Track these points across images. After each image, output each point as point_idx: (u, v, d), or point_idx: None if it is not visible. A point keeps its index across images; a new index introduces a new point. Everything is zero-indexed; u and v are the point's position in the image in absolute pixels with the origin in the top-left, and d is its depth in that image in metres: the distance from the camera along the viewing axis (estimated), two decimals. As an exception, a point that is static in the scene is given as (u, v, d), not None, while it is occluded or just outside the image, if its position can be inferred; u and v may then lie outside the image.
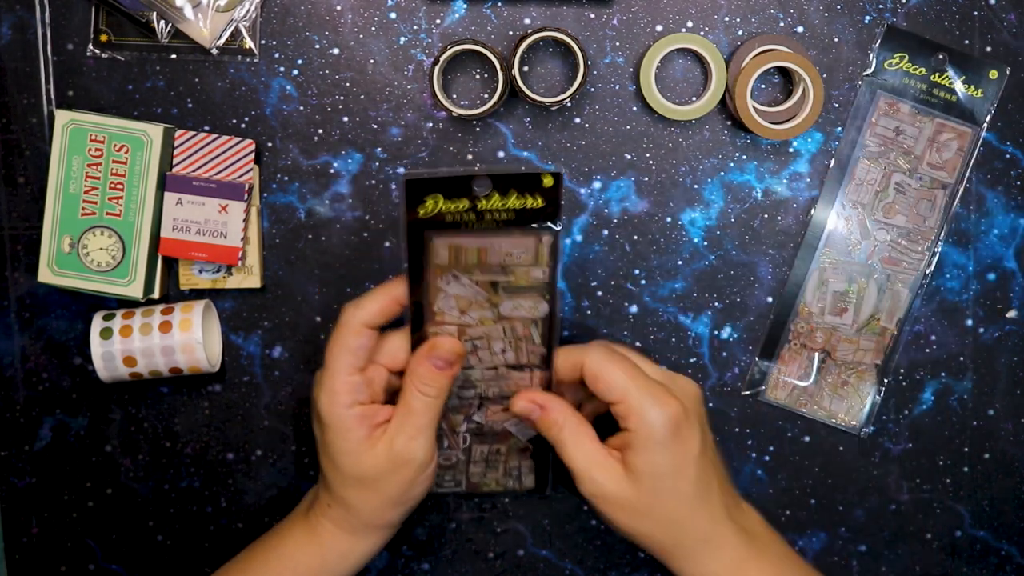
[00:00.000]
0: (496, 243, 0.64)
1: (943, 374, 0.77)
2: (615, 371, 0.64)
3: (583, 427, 0.65)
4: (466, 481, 0.71)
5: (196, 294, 0.77)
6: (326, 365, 0.65)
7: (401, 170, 0.76)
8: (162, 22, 0.74)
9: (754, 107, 0.73)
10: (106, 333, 0.73)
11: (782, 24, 0.75)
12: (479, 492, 0.74)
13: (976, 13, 0.75)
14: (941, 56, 0.75)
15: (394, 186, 0.76)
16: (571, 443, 0.64)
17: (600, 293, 0.77)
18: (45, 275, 0.73)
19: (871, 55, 0.75)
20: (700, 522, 0.65)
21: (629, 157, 0.76)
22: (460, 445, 0.70)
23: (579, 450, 0.64)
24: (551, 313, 0.66)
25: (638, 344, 0.77)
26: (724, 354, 0.77)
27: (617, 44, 0.75)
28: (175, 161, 0.74)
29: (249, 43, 0.75)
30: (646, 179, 0.76)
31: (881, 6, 0.75)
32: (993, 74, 0.75)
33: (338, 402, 0.64)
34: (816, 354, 0.77)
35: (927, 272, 0.76)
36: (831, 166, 0.76)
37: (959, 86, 0.75)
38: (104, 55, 0.75)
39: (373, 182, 0.76)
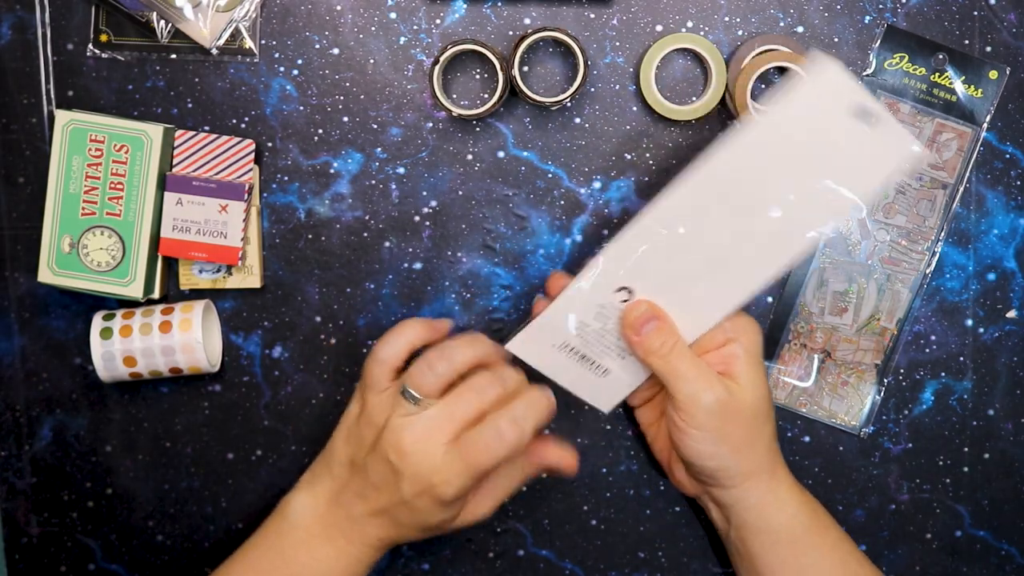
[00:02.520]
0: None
1: (943, 374, 0.77)
2: None
3: (687, 346, 0.67)
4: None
5: (196, 294, 0.77)
6: (469, 464, 0.64)
7: (401, 170, 0.76)
8: (162, 22, 0.74)
9: (754, 107, 0.73)
10: (106, 333, 0.73)
11: (782, 24, 0.75)
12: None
13: (976, 13, 0.75)
14: (941, 56, 0.75)
15: (394, 186, 0.76)
16: (682, 354, 0.66)
17: (600, 293, 0.77)
18: (45, 275, 0.73)
19: (871, 55, 0.75)
20: (768, 450, 0.68)
21: (629, 157, 0.76)
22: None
23: (689, 361, 0.66)
24: None
25: (638, 344, 0.77)
26: (724, 354, 0.77)
27: (617, 44, 0.75)
28: (175, 161, 0.74)
29: (249, 43, 0.75)
30: (646, 179, 0.76)
31: (881, 6, 0.75)
32: (993, 74, 0.75)
33: (464, 493, 0.65)
34: (816, 354, 0.77)
35: (927, 272, 0.76)
36: (831, 166, 0.76)
37: (959, 86, 0.75)
38: (104, 55, 0.75)
39: (373, 182, 0.76)
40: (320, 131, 0.76)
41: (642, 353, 0.66)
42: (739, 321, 0.68)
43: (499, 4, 0.75)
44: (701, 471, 0.68)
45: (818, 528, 0.69)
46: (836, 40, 0.75)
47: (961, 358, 0.77)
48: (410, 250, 0.76)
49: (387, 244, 0.76)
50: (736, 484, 0.68)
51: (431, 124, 0.76)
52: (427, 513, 0.65)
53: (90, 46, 0.75)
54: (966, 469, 0.78)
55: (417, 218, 0.76)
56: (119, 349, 0.72)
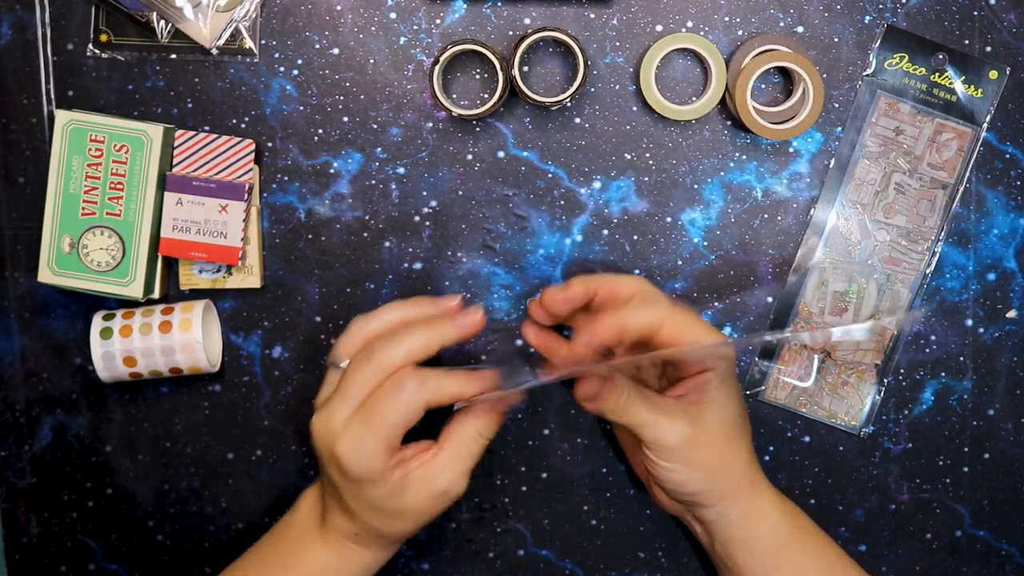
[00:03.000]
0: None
1: (943, 374, 0.77)
2: (691, 320, 0.65)
3: (639, 387, 0.66)
4: None
5: (196, 294, 0.77)
6: (372, 426, 0.62)
7: (401, 170, 0.76)
8: (162, 22, 0.74)
9: (754, 107, 0.73)
10: (106, 333, 0.73)
11: (782, 24, 0.75)
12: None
13: (976, 13, 0.75)
14: (941, 56, 0.75)
15: (394, 186, 0.76)
16: (637, 405, 0.64)
17: (600, 293, 0.77)
18: (45, 275, 0.73)
19: (871, 55, 0.75)
20: (745, 466, 0.68)
21: (629, 157, 0.76)
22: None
23: (646, 408, 0.65)
24: None
25: (638, 344, 0.77)
26: (724, 354, 0.77)
27: (617, 44, 0.75)
28: (175, 161, 0.74)
29: (249, 43, 0.75)
30: (646, 179, 0.76)
31: (881, 6, 0.75)
32: (993, 74, 0.75)
33: (377, 463, 0.62)
34: (816, 354, 0.77)
35: (927, 272, 0.76)
36: (831, 166, 0.76)
37: (959, 86, 0.75)
38: (104, 55, 0.75)
39: (373, 182, 0.76)
40: (320, 131, 0.76)
41: (606, 416, 0.65)
42: (720, 351, 0.67)
43: (499, 4, 0.75)
44: (680, 496, 0.68)
45: (801, 536, 0.69)
46: (836, 40, 0.75)
47: (961, 358, 0.77)
48: (410, 250, 0.76)
49: (387, 244, 0.76)
50: (716, 503, 0.67)
51: (431, 124, 0.76)
52: (361, 491, 0.63)
53: (90, 46, 0.75)
54: (966, 469, 0.78)
55: (417, 218, 0.76)
56: (119, 349, 0.72)
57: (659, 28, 0.75)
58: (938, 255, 0.76)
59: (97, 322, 0.73)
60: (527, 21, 0.75)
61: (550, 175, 0.76)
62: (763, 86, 0.76)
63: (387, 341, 0.64)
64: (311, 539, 0.68)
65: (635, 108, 0.76)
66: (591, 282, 0.67)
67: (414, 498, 0.64)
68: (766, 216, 0.76)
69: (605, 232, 0.76)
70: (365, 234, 0.76)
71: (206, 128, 0.75)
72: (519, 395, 0.66)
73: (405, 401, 0.62)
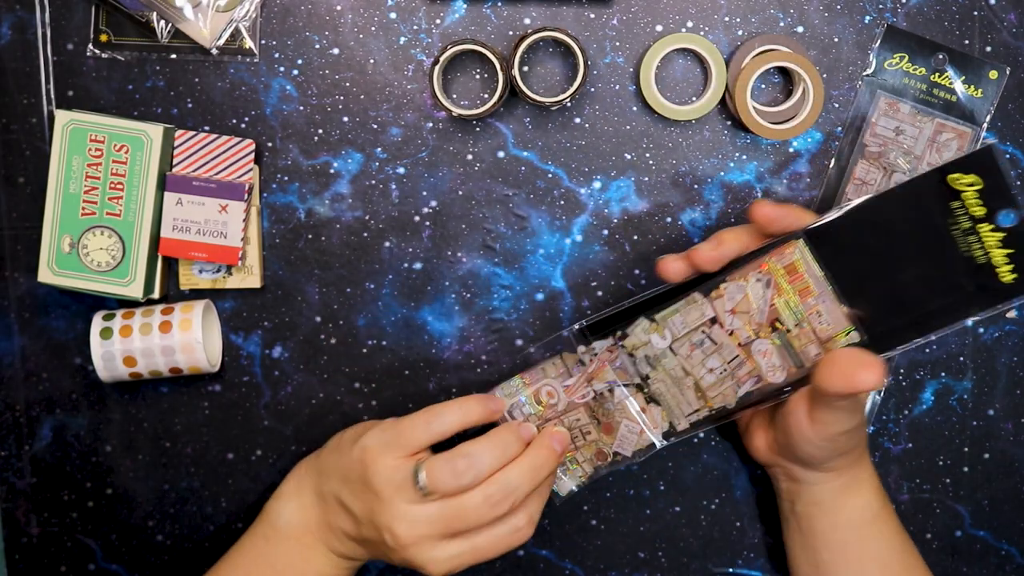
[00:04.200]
0: (827, 295, 0.63)
1: (943, 374, 0.77)
2: None
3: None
4: None
5: (196, 294, 0.77)
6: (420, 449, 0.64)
7: (401, 170, 0.76)
8: (162, 22, 0.74)
9: (754, 107, 0.73)
10: (106, 333, 0.73)
11: (782, 24, 0.75)
12: None
13: (976, 13, 0.75)
14: (941, 56, 0.75)
15: (394, 186, 0.76)
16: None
17: (600, 293, 0.77)
18: (45, 275, 0.73)
19: (871, 55, 0.75)
20: (863, 433, 0.68)
21: (629, 157, 0.76)
22: (575, 396, 0.68)
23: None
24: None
25: (638, 344, 0.77)
26: (724, 354, 0.77)
27: (617, 44, 0.75)
28: (175, 161, 0.74)
29: (249, 43, 0.75)
30: (646, 179, 0.76)
31: (881, 6, 0.75)
32: (993, 74, 0.75)
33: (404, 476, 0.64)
34: (816, 354, 0.77)
35: (927, 272, 0.76)
36: (831, 166, 0.76)
37: (959, 86, 0.75)
38: (104, 55, 0.75)
39: (373, 182, 0.76)
40: (320, 131, 0.76)
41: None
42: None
43: (499, 4, 0.75)
44: (803, 454, 0.66)
45: (885, 517, 0.69)
46: (836, 40, 0.75)
47: (961, 358, 0.77)
48: (410, 250, 0.76)
49: (387, 244, 0.76)
50: (828, 468, 0.67)
51: (431, 124, 0.76)
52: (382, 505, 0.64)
53: (90, 46, 0.75)
54: (966, 469, 0.78)
55: (417, 218, 0.76)
56: (119, 349, 0.72)
57: (659, 28, 0.75)
58: (938, 255, 0.76)
59: (97, 322, 0.73)
60: (527, 21, 0.75)
61: (550, 175, 0.76)
62: (763, 86, 0.76)
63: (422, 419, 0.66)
64: (307, 552, 0.68)
65: (635, 108, 0.76)
66: (742, 235, 0.65)
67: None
68: (766, 216, 0.76)
69: (605, 232, 0.76)
70: (365, 234, 0.76)
71: (206, 128, 0.75)
72: (562, 433, 0.67)
73: (402, 446, 0.64)
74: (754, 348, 0.65)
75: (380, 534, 0.64)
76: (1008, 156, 0.76)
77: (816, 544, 0.69)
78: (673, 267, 0.64)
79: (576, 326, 0.67)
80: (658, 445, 0.68)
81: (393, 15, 0.75)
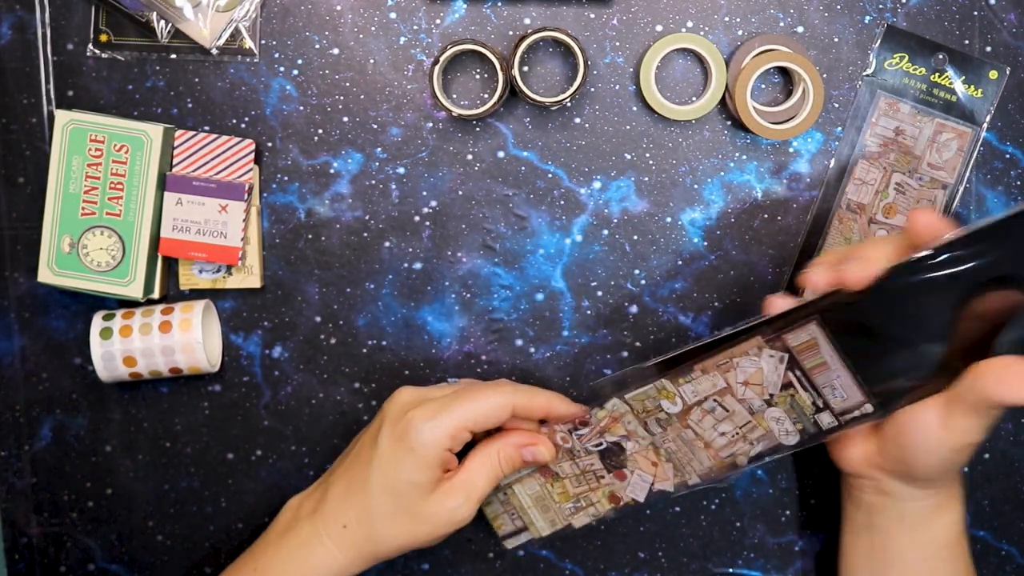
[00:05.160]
0: (837, 369, 0.63)
1: (943, 374, 0.77)
2: None
3: None
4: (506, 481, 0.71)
5: (196, 294, 0.77)
6: (455, 405, 0.65)
7: (401, 170, 0.76)
8: (162, 22, 0.74)
9: (754, 107, 0.73)
10: (106, 333, 0.73)
11: (782, 24, 0.75)
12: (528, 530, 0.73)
13: (976, 13, 0.75)
14: (941, 56, 0.75)
15: (394, 186, 0.76)
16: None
17: (600, 293, 0.77)
18: (45, 275, 0.73)
19: (871, 55, 0.75)
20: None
21: (629, 157, 0.76)
22: (587, 443, 0.69)
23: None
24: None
25: (638, 344, 0.77)
26: (724, 354, 0.77)
27: (617, 44, 0.75)
28: (175, 161, 0.74)
29: (249, 43, 0.75)
30: (646, 179, 0.76)
31: (881, 6, 0.75)
32: (993, 74, 0.75)
33: (441, 441, 0.64)
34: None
35: (927, 272, 0.76)
36: (831, 166, 0.76)
37: (959, 86, 0.75)
38: (104, 55, 0.75)
39: (373, 182, 0.76)
40: (320, 131, 0.76)
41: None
42: None
43: (499, 4, 0.75)
44: (921, 466, 0.63)
45: (962, 542, 0.67)
46: (836, 40, 0.75)
47: (961, 358, 0.77)
48: (410, 250, 0.76)
49: (387, 244, 0.76)
50: (932, 485, 0.65)
51: (431, 124, 0.76)
52: (397, 467, 0.65)
53: (90, 46, 0.75)
54: (966, 469, 0.78)
55: (417, 218, 0.76)
56: (119, 349, 0.72)
57: (659, 28, 0.75)
58: (938, 255, 0.76)
59: (97, 322, 0.73)
60: (527, 21, 0.75)
61: (550, 175, 0.76)
62: (763, 86, 0.76)
63: (512, 384, 0.68)
64: (283, 540, 0.68)
65: (635, 108, 0.76)
66: (889, 248, 0.61)
67: (434, 505, 0.65)
68: (766, 216, 0.76)
69: (605, 232, 0.76)
70: (365, 234, 0.76)
71: (206, 128, 0.75)
72: (550, 455, 0.68)
73: (497, 396, 0.65)
74: (767, 416, 0.65)
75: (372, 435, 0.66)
76: (1008, 156, 0.76)
77: (889, 560, 0.67)
78: (818, 279, 0.62)
79: (650, 362, 0.67)
80: (672, 493, 0.69)
81: (393, 15, 0.75)
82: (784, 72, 0.76)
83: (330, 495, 0.68)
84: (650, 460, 0.68)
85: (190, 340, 0.72)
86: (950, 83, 0.75)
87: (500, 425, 0.68)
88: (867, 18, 0.75)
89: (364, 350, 0.77)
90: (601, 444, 0.69)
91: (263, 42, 0.75)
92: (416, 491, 0.65)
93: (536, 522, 0.72)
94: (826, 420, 0.64)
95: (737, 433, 0.66)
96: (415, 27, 0.75)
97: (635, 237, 0.76)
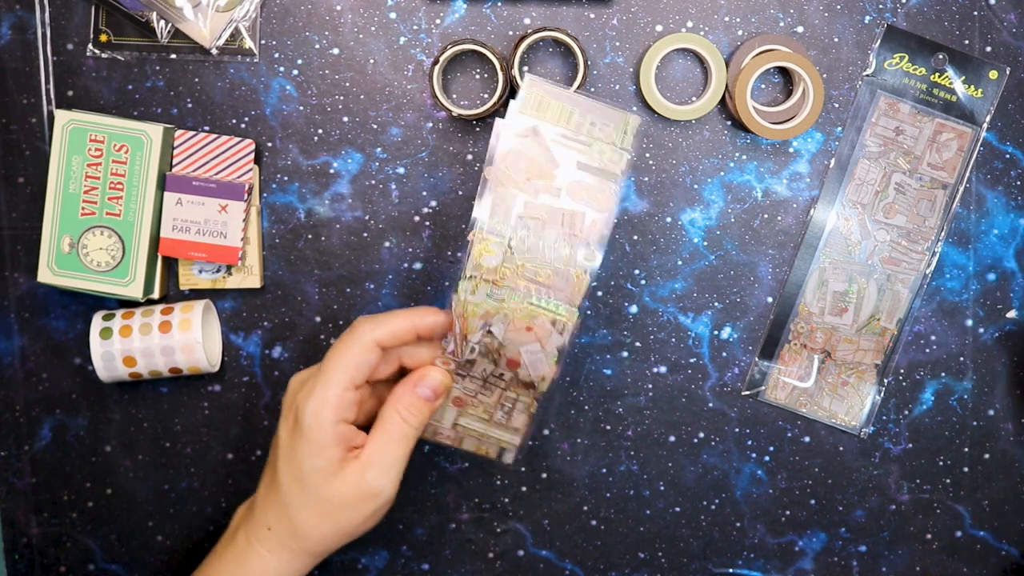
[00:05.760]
0: (585, 105, 0.62)
1: (943, 374, 0.77)
2: None
3: None
4: (450, 425, 0.68)
5: (196, 294, 0.77)
6: (324, 373, 0.62)
7: (401, 170, 0.76)
8: (162, 22, 0.74)
9: (754, 107, 0.73)
10: (106, 333, 0.73)
11: (782, 24, 0.75)
12: (458, 445, 0.70)
13: (976, 13, 0.75)
14: (941, 56, 0.75)
15: (394, 186, 0.76)
16: None
17: (600, 293, 0.77)
18: (45, 275, 0.73)
19: (871, 55, 0.75)
20: None
21: (629, 157, 0.76)
22: (464, 355, 0.66)
23: None
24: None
25: (638, 344, 0.77)
26: (724, 354, 0.77)
27: (617, 44, 0.75)
28: (175, 161, 0.74)
29: (249, 43, 0.75)
30: (646, 179, 0.76)
31: (881, 6, 0.75)
32: (993, 74, 0.75)
33: (326, 416, 0.62)
34: (816, 354, 0.77)
35: (927, 272, 0.76)
36: (831, 166, 0.76)
37: (959, 86, 0.75)
38: (104, 55, 0.75)
39: (373, 182, 0.76)
40: (320, 131, 0.76)
41: None
42: None
43: (499, 4, 0.75)
44: None
45: None
46: (836, 40, 0.75)
47: (961, 358, 0.77)
48: (410, 250, 0.76)
49: (387, 244, 0.76)
50: None
51: (431, 124, 0.76)
52: (299, 454, 0.63)
53: (90, 46, 0.75)
54: (966, 469, 0.78)
55: (417, 218, 0.76)
56: (119, 349, 0.72)
57: (659, 28, 0.75)
58: (938, 255, 0.76)
59: (97, 322, 0.73)
60: (527, 21, 0.75)
61: (550, 175, 0.76)
62: (763, 86, 0.76)
63: (370, 319, 0.64)
64: (223, 552, 0.67)
65: (635, 108, 0.76)
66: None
67: (343, 487, 0.62)
68: (766, 216, 0.76)
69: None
70: (365, 234, 0.76)
71: (206, 128, 0.75)
72: (444, 378, 0.65)
73: (355, 341, 0.62)
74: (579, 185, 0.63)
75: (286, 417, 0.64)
76: (1008, 156, 0.76)
77: None
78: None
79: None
80: (571, 326, 0.65)
81: (393, 15, 0.75)
82: (784, 72, 0.76)
83: (256, 498, 0.67)
84: (523, 328, 0.65)
85: (190, 340, 0.72)
86: (950, 83, 0.75)
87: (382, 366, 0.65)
88: (867, 18, 0.75)
89: (364, 350, 0.77)
90: (474, 348, 0.66)
91: (263, 42, 0.75)
92: (320, 476, 0.62)
93: (502, 437, 0.69)
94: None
95: (563, 229, 0.63)
96: (415, 27, 0.75)
97: (635, 237, 0.76)
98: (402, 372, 0.66)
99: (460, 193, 0.76)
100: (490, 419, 0.68)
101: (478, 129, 0.76)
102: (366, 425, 0.66)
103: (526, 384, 0.67)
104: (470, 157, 0.76)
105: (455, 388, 0.67)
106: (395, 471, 0.63)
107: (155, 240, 0.74)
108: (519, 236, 0.63)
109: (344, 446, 0.63)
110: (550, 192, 0.63)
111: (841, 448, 0.78)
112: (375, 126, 0.76)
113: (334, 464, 0.62)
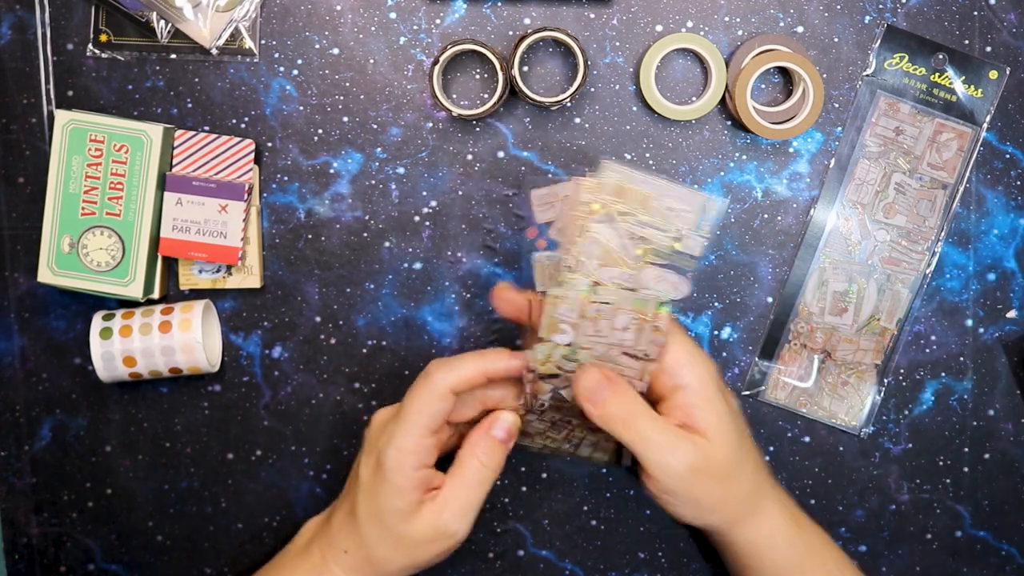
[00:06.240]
0: (664, 188, 0.61)
1: (943, 374, 0.77)
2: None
3: (648, 408, 0.64)
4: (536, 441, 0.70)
5: (196, 294, 0.77)
6: (404, 419, 0.64)
7: (401, 170, 0.76)
8: (162, 22, 0.74)
9: (754, 107, 0.73)
10: (106, 333, 0.73)
11: (782, 24, 0.75)
12: (554, 454, 0.72)
13: (976, 13, 0.75)
14: (941, 56, 0.75)
15: (394, 186, 0.76)
16: (645, 418, 0.63)
17: (600, 293, 0.77)
18: (45, 275, 0.73)
19: (871, 55, 0.75)
20: (750, 491, 0.67)
21: (629, 157, 0.76)
22: (534, 409, 0.67)
23: (652, 425, 0.63)
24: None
25: (638, 344, 0.77)
26: (724, 354, 0.77)
27: (617, 44, 0.75)
28: (175, 161, 0.74)
29: (249, 43, 0.75)
30: (646, 179, 0.76)
31: (881, 6, 0.75)
32: (993, 74, 0.75)
33: (406, 462, 0.64)
34: (816, 354, 0.77)
35: (927, 272, 0.76)
36: (831, 166, 0.76)
37: (959, 86, 0.75)
38: (104, 55, 0.75)
39: (373, 182, 0.76)
40: (320, 131, 0.76)
41: (602, 422, 0.63)
42: (679, 358, 0.64)
43: (499, 4, 0.75)
44: (685, 523, 0.67)
45: (812, 559, 0.69)
46: (836, 40, 0.75)
47: (961, 358, 0.77)
48: (410, 250, 0.76)
49: (387, 244, 0.76)
50: (721, 532, 0.67)
51: (431, 124, 0.76)
52: (379, 495, 0.65)
53: (90, 46, 0.75)
54: (966, 469, 0.78)
55: (417, 218, 0.76)
56: (119, 349, 0.72)
57: (659, 28, 0.75)
58: (938, 255, 0.76)
59: (97, 322, 0.73)
60: (527, 21, 0.75)
61: (550, 175, 0.76)
62: (763, 86, 0.76)
63: (443, 363, 0.66)
64: (297, 562, 0.69)
65: (635, 108, 0.76)
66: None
67: (420, 527, 0.65)
68: (766, 216, 0.76)
69: (605, 232, 0.76)
70: (365, 234, 0.76)
71: (206, 128, 0.75)
72: (515, 420, 0.67)
73: (429, 389, 0.64)
74: (643, 280, 0.63)
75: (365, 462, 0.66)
76: (1008, 156, 0.76)
77: None
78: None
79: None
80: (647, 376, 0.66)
81: (393, 15, 0.75)
82: (784, 72, 0.76)
83: (332, 521, 0.69)
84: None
85: (190, 340, 0.72)
86: (950, 83, 0.75)
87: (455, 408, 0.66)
88: (867, 18, 0.75)
89: (364, 350, 0.77)
90: (544, 403, 0.67)
91: (263, 42, 0.75)
92: (398, 517, 0.64)
93: (593, 454, 0.71)
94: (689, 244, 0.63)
95: (635, 318, 0.63)
96: (415, 27, 0.75)
97: (635, 237, 0.76)
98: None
99: (460, 193, 0.76)
100: (560, 445, 0.71)
101: (478, 129, 0.76)
102: (449, 454, 0.68)
103: (593, 429, 0.68)
104: (470, 157, 0.76)
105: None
106: (470, 514, 0.66)
107: (155, 240, 0.74)
108: (587, 324, 0.64)
109: (422, 489, 0.65)
110: (623, 279, 0.63)
111: (841, 448, 0.78)
112: (375, 126, 0.76)
113: (412, 505, 0.64)
